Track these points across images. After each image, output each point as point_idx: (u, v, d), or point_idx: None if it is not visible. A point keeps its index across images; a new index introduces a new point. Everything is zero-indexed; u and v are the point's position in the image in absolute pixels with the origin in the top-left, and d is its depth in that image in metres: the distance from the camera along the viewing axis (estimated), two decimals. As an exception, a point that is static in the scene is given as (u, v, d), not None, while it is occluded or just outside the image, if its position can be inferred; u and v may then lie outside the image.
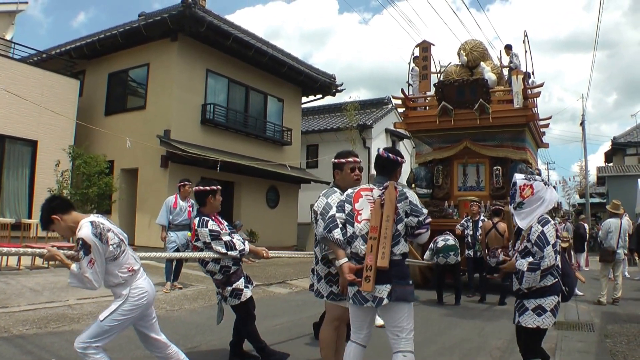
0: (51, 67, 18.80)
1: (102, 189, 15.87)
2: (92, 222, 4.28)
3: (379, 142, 29.29)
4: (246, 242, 5.93)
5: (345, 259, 4.37)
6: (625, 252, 13.03)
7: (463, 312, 9.96)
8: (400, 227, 4.32)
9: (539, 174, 15.25)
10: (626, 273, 14.60)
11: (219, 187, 6.05)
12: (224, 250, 5.62)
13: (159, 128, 17.98)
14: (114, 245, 4.33)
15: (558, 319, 9.49)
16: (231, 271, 5.75)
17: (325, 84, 25.40)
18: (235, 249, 5.68)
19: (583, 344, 7.72)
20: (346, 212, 4.53)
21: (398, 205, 4.30)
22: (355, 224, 4.43)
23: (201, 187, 5.89)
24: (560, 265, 4.81)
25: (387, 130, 29.73)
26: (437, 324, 9.10)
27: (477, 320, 9.33)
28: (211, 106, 19.66)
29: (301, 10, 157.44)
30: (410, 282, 4.43)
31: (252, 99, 22.10)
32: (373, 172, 22.82)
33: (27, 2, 24.11)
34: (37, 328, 7.52)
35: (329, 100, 28.75)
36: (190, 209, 11.30)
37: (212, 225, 5.68)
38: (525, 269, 4.67)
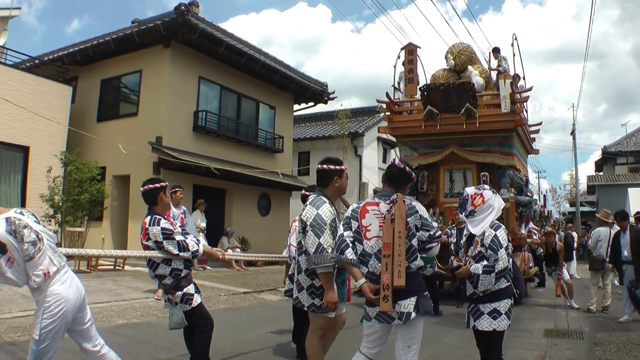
0: (44, 73, 18.84)
1: (94, 195, 15.90)
2: (7, 219, 4.04)
3: (370, 151, 29.35)
4: (200, 244, 5.60)
5: (364, 279, 4.33)
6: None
7: (454, 320, 9.97)
8: (414, 242, 4.30)
9: (527, 181, 15.24)
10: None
11: (167, 183, 5.75)
12: (175, 252, 5.28)
13: (151, 135, 17.96)
14: (29, 243, 4.04)
15: (548, 326, 9.61)
16: (182, 275, 5.40)
17: (318, 92, 25.48)
18: (188, 250, 5.35)
19: (572, 352, 7.77)
20: (353, 229, 4.44)
21: (408, 220, 4.26)
22: (365, 241, 4.37)
23: (150, 185, 5.53)
24: (511, 269, 4.99)
25: (379, 139, 29.79)
26: (427, 332, 9.08)
27: (467, 329, 9.34)
28: (203, 113, 19.67)
29: (294, 18, 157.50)
30: (428, 294, 4.43)
31: (244, 106, 22.12)
32: (364, 180, 22.73)
33: (19, 8, 24.17)
34: (29, 335, 7.45)
35: (320, 108, 28.83)
36: (183, 215, 11.27)
37: (164, 223, 5.37)
38: (481, 272, 4.82)
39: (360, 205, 4.53)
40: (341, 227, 4.54)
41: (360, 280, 4.33)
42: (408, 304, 4.17)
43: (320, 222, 4.72)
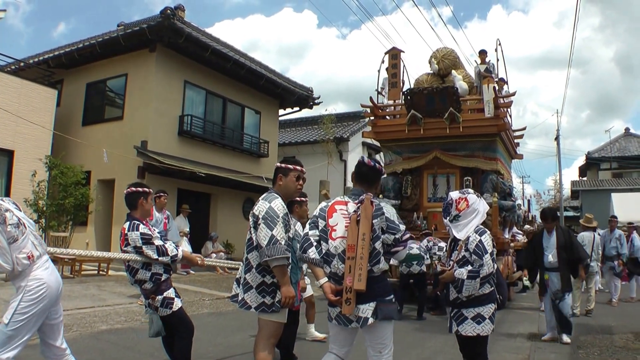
0: (29, 76, 18.68)
1: (79, 199, 15.80)
2: None
3: (355, 155, 29.27)
4: (179, 248, 5.60)
5: (325, 279, 4.24)
6: (599, 264, 13.18)
7: (438, 324, 10.02)
8: (377, 244, 4.16)
9: (510, 186, 15.28)
10: (599, 285, 14.77)
11: (151, 190, 5.82)
12: (155, 256, 5.28)
13: (136, 139, 17.93)
14: (12, 226, 4.12)
15: (531, 330, 9.65)
16: (162, 279, 5.39)
17: (303, 97, 25.50)
18: (168, 255, 5.34)
19: (556, 355, 7.82)
20: (320, 228, 4.34)
21: (374, 221, 4.12)
22: (330, 241, 4.26)
23: (132, 189, 5.59)
24: (495, 274, 4.96)
25: (364, 144, 29.78)
26: (412, 336, 9.15)
27: (452, 333, 9.37)
28: (189, 117, 19.63)
29: (280, 24, 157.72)
30: (393, 299, 4.28)
31: (229, 111, 22.14)
32: (350, 184, 22.65)
33: (5, 10, 23.99)
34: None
35: (306, 112, 28.83)
36: (166, 220, 11.26)
37: (143, 228, 5.38)
38: (465, 277, 4.80)
39: (329, 204, 4.44)
40: (307, 226, 4.45)
41: (321, 280, 4.25)
42: (366, 309, 4.06)
43: (272, 214, 4.62)
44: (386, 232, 4.19)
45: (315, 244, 4.29)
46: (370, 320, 4.05)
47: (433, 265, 11.41)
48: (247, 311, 4.77)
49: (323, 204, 4.51)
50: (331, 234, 4.28)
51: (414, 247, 11.25)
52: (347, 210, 4.30)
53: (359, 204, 4.19)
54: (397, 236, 4.20)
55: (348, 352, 4.42)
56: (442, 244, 11.45)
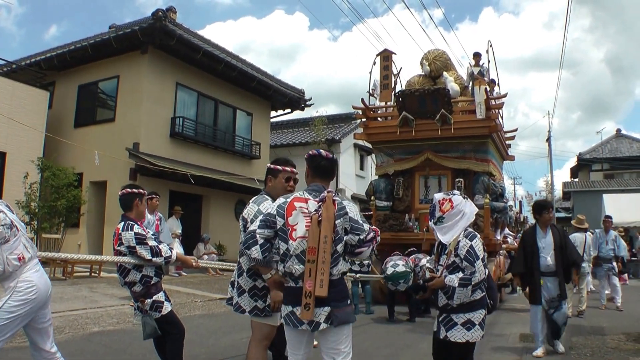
0: (21, 78, 18.67)
1: (71, 201, 15.80)
2: None
3: (347, 157, 29.34)
4: (173, 250, 5.55)
5: (270, 274, 4.17)
6: (590, 265, 13.20)
7: (429, 327, 9.98)
8: (339, 247, 3.92)
9: (502, 187, 15.27)
10: (591, 286, 14.79)
11: (146, 192, 5.84)
12: (148, 257, 5.23)
13: (128, 141, 17.91)
14: (4, 226, 4.13)
15: (523, 331, 9.66)
16: (152, 282, 5.38)
17: (294, 99, 25.54)
18: (161, 256, 5.30)
19: (548, 356, 7.81)
20: (278, 227, 4.01)
21: (337, 222, 3.89)
22: (290, 241, 3.96)
23: (128, 190, 5.60)
24: (485, 279, 4.83)
25: (355, 145, 29.82)
26: (402, 338, 9.16)
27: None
28: (180, 119, 19.63)
29: (272, 26, 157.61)
30: (349, 302, 4.06)
31: (221, 113, 22.14)
32: (341, 186, 22.49)
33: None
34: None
35: (297, 114, 28.94)
36: (158, 222, 11.25)
37: (137, 228, 5.36)
38: (457, 285, 4.66)
39: (288, 200, 4.10)
40: (257, 222, 4.11)
41: (266, 275, 4.18)
42: (320, 314, 3.83)
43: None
44: (350, 233, 3.98)
45: (261, 241, 4.00)
46: (323, 326, 3.86)
47: (422, 274, 11.26)
48: (242, 315, 4.78)
49: (281, 200, 4.19)
50: (291, 233, 3.99)
51: (400, 264, 11.02)
52: (307, 209, 4.01)
53: (321, 203, 3.96)
54: (361, 237, 3.97)
55: (305, 356, 4.14)
56: (424, 261, 11.31)
